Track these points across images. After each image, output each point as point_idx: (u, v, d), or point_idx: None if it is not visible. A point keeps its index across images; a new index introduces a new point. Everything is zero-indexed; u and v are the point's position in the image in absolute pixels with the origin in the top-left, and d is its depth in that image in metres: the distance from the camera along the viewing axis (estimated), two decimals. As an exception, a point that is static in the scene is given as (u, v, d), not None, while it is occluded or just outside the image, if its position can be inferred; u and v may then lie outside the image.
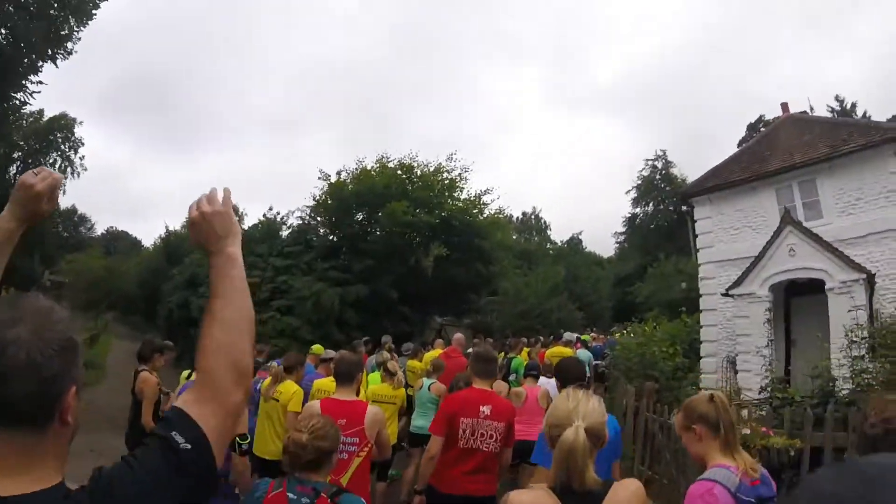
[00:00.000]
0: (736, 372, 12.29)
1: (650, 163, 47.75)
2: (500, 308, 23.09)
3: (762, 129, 47.55)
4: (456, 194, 17.74)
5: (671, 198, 45.90)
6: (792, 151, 14.20)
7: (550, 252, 40.78)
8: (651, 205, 47.64)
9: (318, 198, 17.93)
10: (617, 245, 51.26)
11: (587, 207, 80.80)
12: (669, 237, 43.06)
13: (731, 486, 2.06)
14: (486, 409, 3.71)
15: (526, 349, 11.46)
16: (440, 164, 18.16)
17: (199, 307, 16.64)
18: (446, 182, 17.81)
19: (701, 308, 14.76)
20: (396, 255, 16.57)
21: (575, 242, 46.47)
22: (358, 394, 4.03)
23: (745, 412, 6.49)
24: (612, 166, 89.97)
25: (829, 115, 32.75)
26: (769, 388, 8.18)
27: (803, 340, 12.62)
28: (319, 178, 17.77)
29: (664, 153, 47.15)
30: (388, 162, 17.87)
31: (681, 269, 30.71)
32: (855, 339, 10.44)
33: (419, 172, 17.80)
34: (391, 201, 15.54)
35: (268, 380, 5.19)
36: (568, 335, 13.89)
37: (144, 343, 5.53)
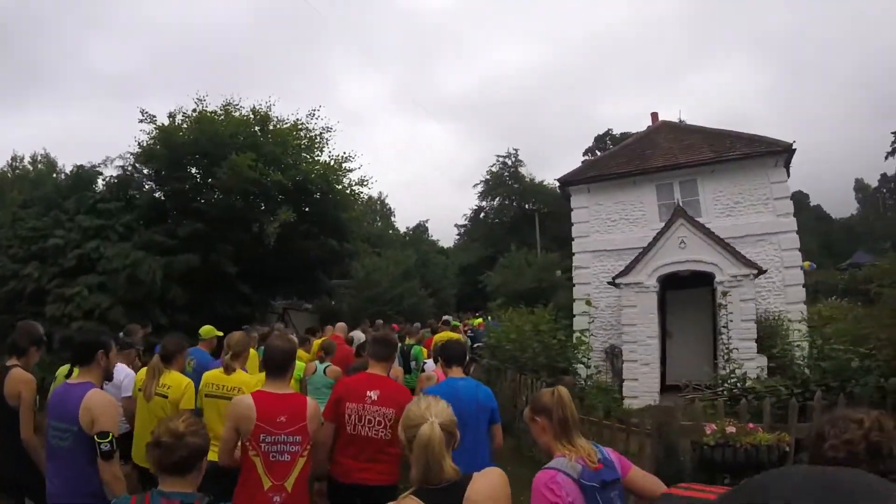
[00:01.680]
0: (621, 362, 11.75)
1: (501, 159, 48.68)
2: (349, 292, 20.72)
3: (608, 141, 52.15)
4: (315, 156, 14.75)
5: (517, 195, 47.52)
6: (675, 152, 14.41)
7: (398, 237, 39.06)
8: (497, 199, 48.90)
9: (143, 144, 13.74)
10: (458, 236, 51.91)
11: (426, 202, 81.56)
12: (514, 231, 44.36)
13: (574, 473, 2.16)
14: (373, 395, 3.54)
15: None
16: (298, 119, 15.07)
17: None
18: (304, 142, 14.74)
19: (574, 297, 14.22)
20: (237, 220, 13.27)
21: (421, 230, 45.42)
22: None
23: (699, 406, 5.83)
24: (455, 167, 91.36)
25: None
26: (718, 380, 7.34)
27: (681, 333, 12.55)
28: (142, 121, 13.64)
29: (516, 151, 48.28)
30: (237, 108, 14.37)
31: (530, 261, 31.23)
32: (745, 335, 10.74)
33: (273, 127, 14.60)
34: (236, 153, 12.22)
35: (140, 372, 4.39)
36: (446, 318, 14.23)
37: (20, 330, 4.06)
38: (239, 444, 3.05)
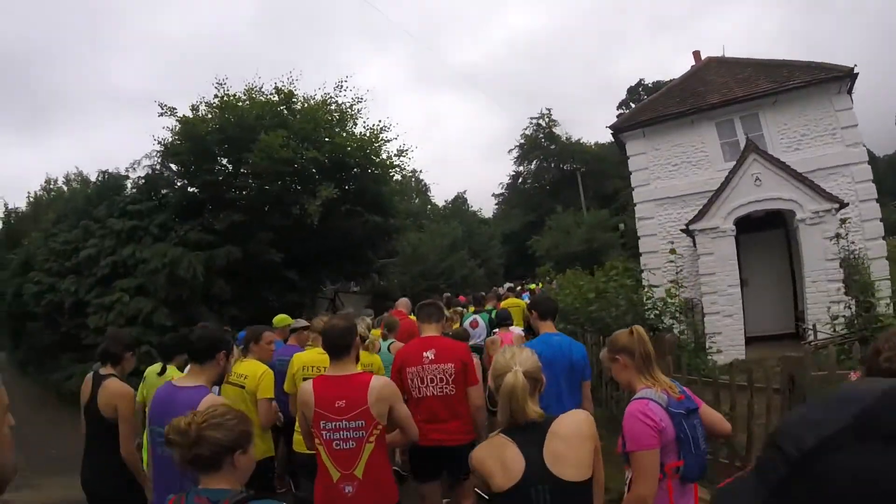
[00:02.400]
0: (701, 315, 10.84)
1: (534, 121, 47.12)
2: (398, 269, 20.24)
3: (641, 91, 49.91)
4: (349, 129, 14.02)
5: (555, 156, 46.05)
6: (731, 87, 13.33)
7: (437, 212, 38.35)
8: (534, 163, 47.57)
9: (166, 142, 13.16)
10: (496, 205, 50.87)
11: (458, 177, 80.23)
12: (554, 194, 43.13)
13: (662, 402, 2.32)
14: (429, 354, 3.63)
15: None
16: (327, 94, 14.34)
17: (34, 295, 12.20)
18: (335, 116, 14.02)
19: (640, 250, 13.33)
20: (275, 205, 12.77)
21: (460, 202, 44.60)
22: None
23: (832, 352, 4.82)
24: (482, 137, 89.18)
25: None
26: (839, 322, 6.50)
27: (756, 280, 11.63)
28: (162, 114, 12.93)
29: (549, 111, 46.58)
30: (260, 91, 13.68)
31: (578, 221, 30.18)
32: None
33: (300, 106, 13.95)
34: (265, 133, 11.62)
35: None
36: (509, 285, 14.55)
37: (112, 337, 3.80)
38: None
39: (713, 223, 10.87)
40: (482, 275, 24.92)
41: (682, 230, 11.90)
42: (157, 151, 13.23)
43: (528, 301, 4.86)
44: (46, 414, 11.79)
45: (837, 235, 9.70)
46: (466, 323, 8.43)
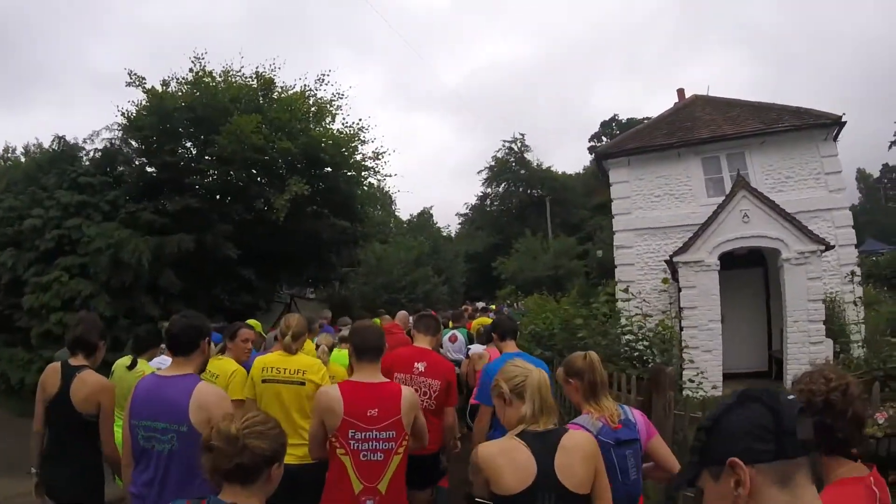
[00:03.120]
0: (681, 349, 10.52)
1: (507, 144, 47.25)
2: (360, 279, 19.31)
3: (614, 126, 50.83)
4: (326, 123, 13.20)
5: (523, 181, 46.17)
6: (719, 124, 13.39)
7: (401, 226, 37.56)
8: (503, 185, 47.60)
9: (130, 114, 11.88)
10: (460, 225, 50.63)
11: (423, 194, 79.75)
12: (521, 218, 43.13)
13: (594, 429, 2.38)
14: (420, 366, 3.62)
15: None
16: (306, 86, 13.48)
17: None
18: (313, 110, 13.17)
19: (617, 279, 12.95)
20: (238, 195, 11.77)
21: (426, 216, 43.95)
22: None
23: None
24: (450, 158, 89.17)
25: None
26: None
27: (733, 316, 11.45)
28: (130, 84, 11.71)
29: (522, 136, 46.88)
30: (238, 74, 12.69)
31: (545, 247, 29.99)
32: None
33: (279, 95, 13.04)
34: (238, 116, 10.67)
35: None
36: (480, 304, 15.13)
37: (85, 323, 3.29)
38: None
39: (698, 256, 10.60)
40: (445, 292, 24.21)
41: (665, 261, 11.64)
42: (119, 124, 12.04)
43: (494, 322, 4.84)
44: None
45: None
46: (445, 338, 8.13)
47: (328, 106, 13.38)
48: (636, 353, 7.12)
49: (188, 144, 12.21)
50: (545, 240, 32.91)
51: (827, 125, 12.16)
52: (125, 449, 2.67)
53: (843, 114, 12.15)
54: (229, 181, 11.71)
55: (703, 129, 13.28)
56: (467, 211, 51.08)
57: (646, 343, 7.40)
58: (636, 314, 7.44)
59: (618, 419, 2.50)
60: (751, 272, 11.78)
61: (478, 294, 33.17)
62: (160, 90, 11.68)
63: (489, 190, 48.61)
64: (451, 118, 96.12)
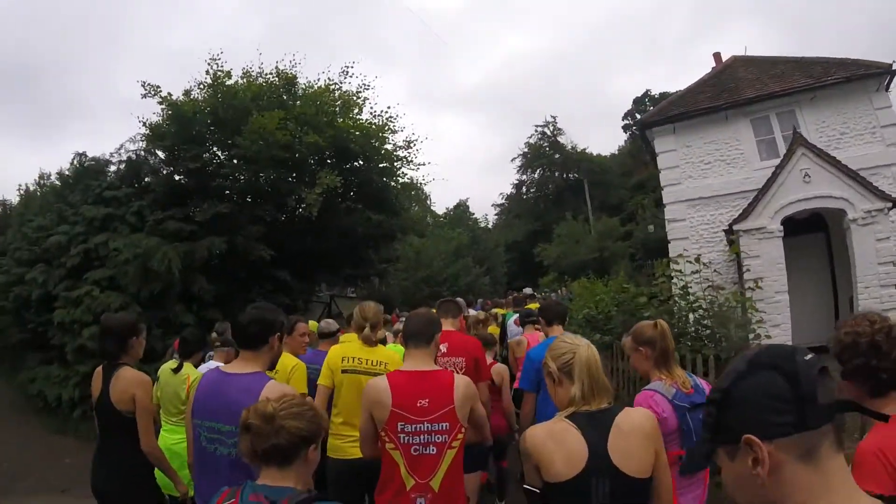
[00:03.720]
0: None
1: (539, 129, 46.16)
2: (400, 274, 19.01)
3: (647, 102, 49.15)
4: (353, 114, 12.84)
5: (559, 165, 45.08)
6: (765, 82, 12.42)
7: (438, 220, 37.19)
8: (538, 171, 46.64)
9: (151, 124, 11.80)
10: (497, 215, 49.85)
11: (456, 192, 79.14)
12: (558, 203, 42.11)
13: (668, 394, 2.47)
14: (442, 347, 3.55)
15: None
16: (330, 80, 13.16)
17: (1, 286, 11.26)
18: (338, 103, 12.87)
19: (671, 255, 12.20)
20: (267, 195, 11.55)
21: (462, 209, 43.49)
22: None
23: None
24: (479, 154, 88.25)
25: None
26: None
27: (795, 287, 10.66)
28: (145, 96, 11.58)
29: (554, 119, 45.59)
30: (261, 75, 12.45)
31: (587, 230, 29.15)
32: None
33: (303, 92, 12.79)
34: (260, 114, 10.44)
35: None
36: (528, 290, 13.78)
37: (105, 328, 3.24)
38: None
39: (759, 223, 9.83)
40: (487, 282, 23.70)
41: (724, 230, 10.90)
42: (142, 135, 12.01)
43: (541, 308, 4.86)
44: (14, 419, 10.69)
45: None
46: (510, 321, 8.23)
47: (354, 97, 13.04)
48: (707, 332, 6.46)
49: (214, 148, 12.04)
50: (586, 223, 31.95)
51: (878, 75, 11.28)
52: (189, 451, 2.56)
53: (894, 61, 11.19)
54: (257, 182, 11.50)
55: (748, 89, 12.41)
56: (503, 201, 50.35)
57: (718, 319, 6.71)
58: (706, 286, 6.77)
59: (689, 385, 2.56)
60: (812, 238, 11.01)
61: (520, 283, 32.46)
62: (179, 98, 11.56)
63: (524, 177, 47.65)
64: (475, 116, 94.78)
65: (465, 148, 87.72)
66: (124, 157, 12.26)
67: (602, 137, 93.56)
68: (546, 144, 46.05)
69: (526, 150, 46.93)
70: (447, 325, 3.86)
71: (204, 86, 11.81)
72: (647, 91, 49.39)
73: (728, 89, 12.68)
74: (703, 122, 12.30)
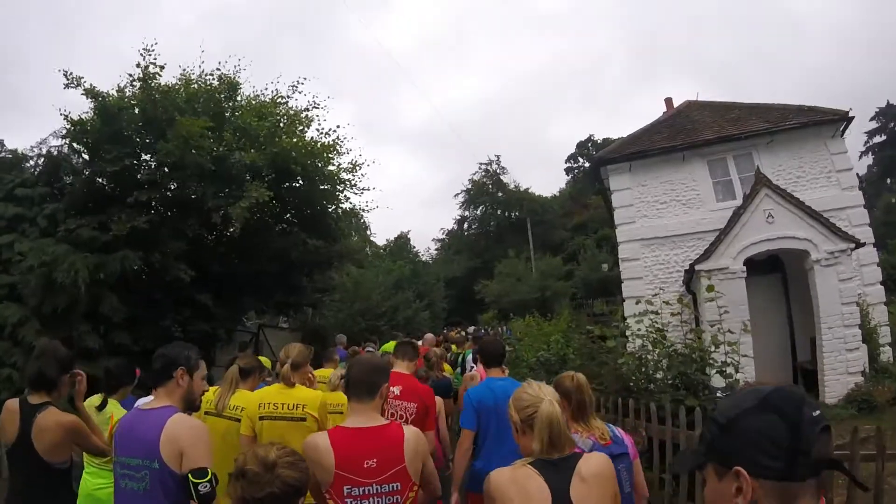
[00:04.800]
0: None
1: (483, 166, 46.43)
2: (335, 305, 17.68)
3: (590, 147, 50.49)
4: (299, 131, 11.65)
5: (501, 203, 45.27)
6: (722, 125, 12.57)
7: (377, 252, 36.05)
8: (480, 209, 46.69)
9: (73, 119, 10.07)
10: (436, 251, 49.40)
11: (394, 224, 78.50)
12: (500, 241, 42.07)
13: (585, 447, 2.42)
14: (395, 390, 3.60)
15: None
16: (277, 92, 12.07)
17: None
18: (282, 120, 11.71)
19: (624, 295, 11.72)
20: (193, 207, 10.18)
21: (403, 241, 42.56)
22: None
23: None
24: (419, 190, 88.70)
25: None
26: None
27: (756, 326, 10.43)
28: (69, 86, 9.91)
29: (498, 158, 46.00)
30: (202, 79, 11.10)
31: (531, 267, 28.81)
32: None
33: (245, 101, 11.64)
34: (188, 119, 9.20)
35: (213, 389, 3.62)
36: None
37: (45, 353, 2.92)
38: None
39: (722, 263, 9.55)
40: (427, 317, 22.69)
41: (685, 270, 10.63)
42: (64, 130, 10.42)
43: (478, 349, 5.02)
44: None
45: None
46: (469, 357, 8.23)
47: (302, 115, 11.96)
48: (685, 379, 5.72)
49: (139, 151, 10.56)
50: (528, 261, 31.73)
51: (835, 121, 11.54)
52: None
53: (850, 109, 11.52)
54: (182, 192, 10.15)
55: (706, 131, 12.42)
56: (443, 236, 50.03)
57: (699, 364, 6.01)
58: (687, 329, 6.10)
59: (608, 436, 2.57)
60: (769, 279, 10.84)
61: (457, 320, 31.69)
62: (106, 92, 10.11)
63: (467, 213, 47.68)
64: (416, 153, 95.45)
65: (404, 183, 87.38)
66: (45, 153, 10.67)
67: (542, 181, 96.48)
68: (489, 182, 46.29)
69: (469, 186, 47.03)
70: (402, 367, 3.93)
71: (135, 80, 10.37)
72: (591, 136, 51.10)
73: (685, 131, 12.65)
74: (660, 162, 12.16)
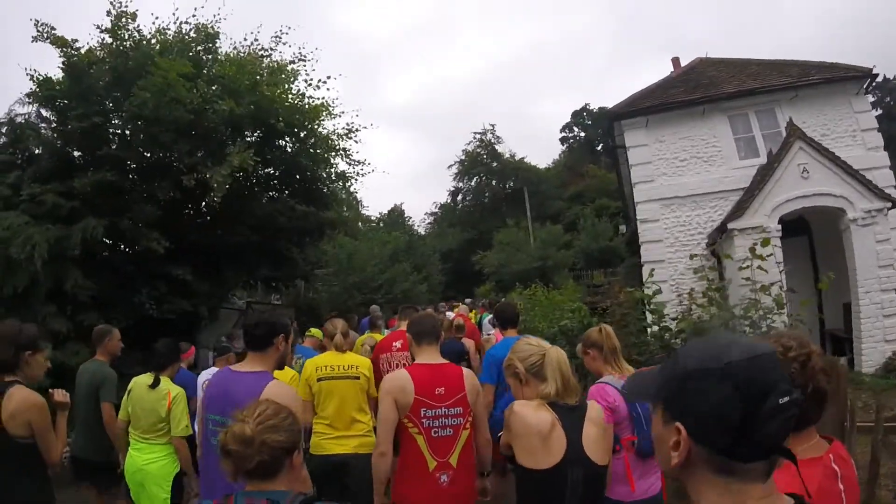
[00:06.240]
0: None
1: (478, 136, 45.07)
2: (329, 279, 16.75)
3: (585, 116, 49.23)
4: (283, 84, 10.31)
5: (496, 173, 44.15)
6: (743, 79, 11.68)
7: (370, 226, 35.01)
8: (475, 179, 45.55)
9: (40, 79, 8.99)
10: (430, 224, 48.21)
11: (384, 203, 77.32)
12: (495, 212, 41.13)
13: (617, 385, 2.70)
14: (397, 344, 4.42)
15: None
16: (256, 41, 10.75)
17: None
18: (265, 71, 10.41)
19: (643, 260, 10.93)
20: (165, 168, 9.15)
21: (397, 213, 41.51)
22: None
23: None
24: (407, 168, 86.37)
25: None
26: None
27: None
28: (38, 39, 8.75)
29: (493, 127, 44.63)
30: (175, 24, 9.92)
31: (533, 236, 28.00)
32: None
33: (226, 49, 10.49)
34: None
35: None
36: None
37: (10, 326, 2.93)
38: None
39: (756, 221, 8.82)
40: (424, 290, 21.83)
41: (713, 231, 9.78)
42: (31, 92, 9.25)
43: (495, 312, 5.30)
44: None
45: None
46: (486, 320, 9.05)
47: (287, 67, 10.79)
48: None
49: (109, 105, 9.41)
50: (526, 231, 30.86)
51: (858, 78, 10.82)
52: (199, 443, 2.75)
53: (874, 66, 10.73)
54: (154, 148, 9.05)
55: (725, 85, 11.49)
56: (436, 210, 48.88)
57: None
58: (752, 286, 5.33)
59: None
60: (795, 241, 10.12)
61: (452, 293, 30.92)
62: (79, 46, 8.95)
63: (461, 184, 46.44)
64: (402, 132, 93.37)
65: (392, 162, 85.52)
66: (8, 120, 9.53)
67: (535, 153, 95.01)
68: (484, 153, 45.03)
69: (463, 157, 45.76)
70: (404, 325, 4.47)
71: (104, 31, 9.20)
72: (586, 105, 49.78)
73: (702, 85, 11.75)
74: (679, 117, 11.28)
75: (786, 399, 0.87)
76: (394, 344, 4.46)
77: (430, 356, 2.88)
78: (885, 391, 7.27)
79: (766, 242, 5.92)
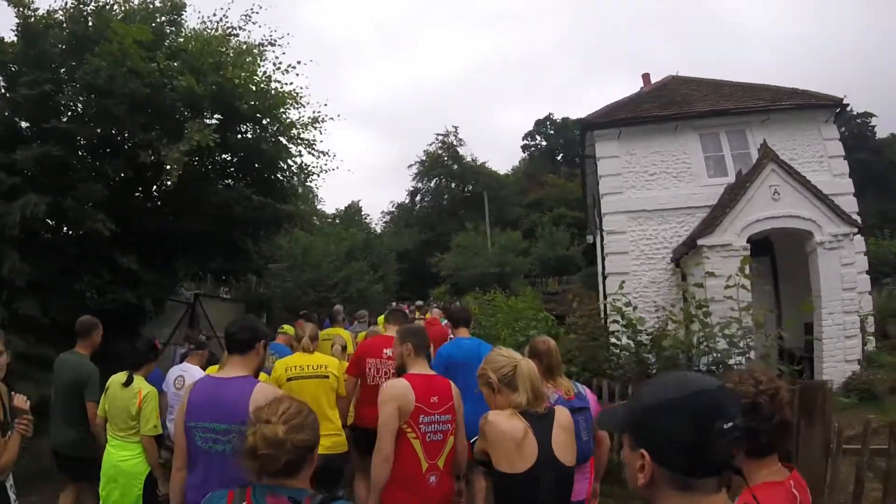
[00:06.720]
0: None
1: (440, 137, 44.89)
2: (282, 274, 16.06)
3: (548, 125, 49.70)
4: (249, 66, 9.56)
5: (457, 176, 44.04)
6: (716, 99, 11.98)
7: (326, 222, 34.11)
8: (434, 181, 45.31)
9: None
10: (385, 223, 47.64)
11: (340, 201, 76.24)
12: (453, 214, 41.04)
13: (552, 400, 2.75)
14: (388, 351, 4.23)
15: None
16: (229, 24, 10.01)
17: None
18: (233, 50, 9.71)
19: (606, 272, 10.92)
20: (117, 147, 8.45)
21: (354, 210, 40.78)
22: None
23: None
24: (366, 167, 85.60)
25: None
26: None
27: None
28: None
29: (455, 129, 44.52)
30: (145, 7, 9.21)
31: (491, 241, 27.92)
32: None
33: (193, 24, 9.82)
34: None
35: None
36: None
37: None
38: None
39: (725, 239, 8.97)
40: (380, 290, 21.36)
41: (684, 244, 9.97)
42: None
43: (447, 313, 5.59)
44: None
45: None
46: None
47: (254, 49, 10.17)
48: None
49: (63, 76, 8.61)
50: (485, 236, 30.82)
51: (828, 106, 11.25)
52: (178, 452, 2.61)
53: (844, 96, 11.22)
54: (105, 122, 8.33)
55: (698, 104, 11.70)
56: (394, 209, 48.36)
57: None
58: (735, 304, 5.26)
59: (572, 392, 3.04)
60: (759, 261, 10.38)
61: (406, 295, 30.55)
62: (35, 8, 8.10)
63: (420, 185, 46.14)
64: (363, 132, 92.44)
65: (351, 160, 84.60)
66: None
67: (496, 159, 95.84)
68: (445, 154, 44.87)
69: (424, 157, 45.46)
70: (393, 331, 4.28)
71: (67, 12, 8.42)
72: (550, 114, 50.35)
73: (675, 102, 11.93)
74: (651, 131, 11.43)
75: (730, 424, 1.03)
76: (384, 351, 4.34)
77: (424, 367, 3.13)
78: (846, 409, 7.41)
79: (746, 261, 5.89)
